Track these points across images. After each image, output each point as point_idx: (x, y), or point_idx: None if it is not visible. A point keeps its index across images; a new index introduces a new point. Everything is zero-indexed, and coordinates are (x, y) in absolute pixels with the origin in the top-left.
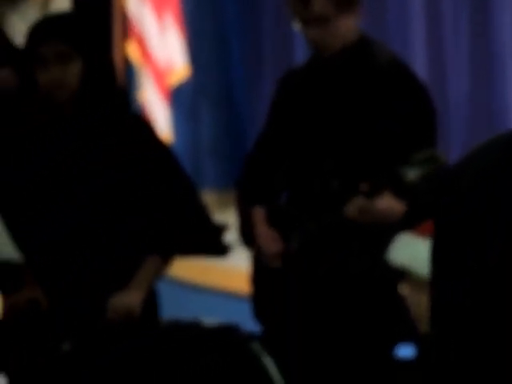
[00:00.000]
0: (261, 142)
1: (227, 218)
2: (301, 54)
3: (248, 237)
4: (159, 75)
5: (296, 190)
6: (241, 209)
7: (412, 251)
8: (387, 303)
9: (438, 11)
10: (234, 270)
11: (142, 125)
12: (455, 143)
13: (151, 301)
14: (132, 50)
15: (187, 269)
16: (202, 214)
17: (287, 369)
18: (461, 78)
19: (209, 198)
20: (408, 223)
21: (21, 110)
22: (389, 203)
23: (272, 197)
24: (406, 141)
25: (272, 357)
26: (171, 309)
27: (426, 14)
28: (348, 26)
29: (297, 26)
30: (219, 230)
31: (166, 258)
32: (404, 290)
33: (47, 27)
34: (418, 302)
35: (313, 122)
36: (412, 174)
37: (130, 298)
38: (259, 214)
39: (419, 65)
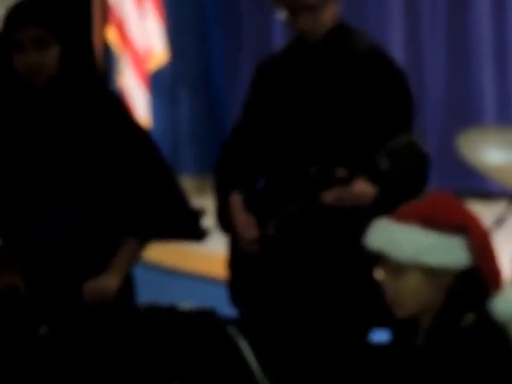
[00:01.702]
0: (238, 127)
1: (205, 203)
2: (279, 41)
3: (225, 222)
4: (138, 60)
5: (274, 176)
6: (218, 194)
7: (390, 236)
8: (364, 287)
9: None
10: (212, 254)
11: (119, 109)
12: (431, 129)
13: (127, 285)
14: (111, 35)
15: (165, 253)
16: (179, 199)
17: (263, 353)
18: (437, 64)
19: (187, 183)
20: (383, 208)
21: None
22: (362, 187)
23: (249, 182)
24: (384, 126)
25: (248, 341)
26: (148, 293)
27: (404, 2)
28: (332, 13)
29: (282, 15)
30: (197, 214)
31: (143, 242)
32: (380, 274)
33: (24, 12)
34: (395, 287)
35: (291, 107)
36: (389, 160)
37: (106, 282)
38: (236, 199)
39: (396, 51)
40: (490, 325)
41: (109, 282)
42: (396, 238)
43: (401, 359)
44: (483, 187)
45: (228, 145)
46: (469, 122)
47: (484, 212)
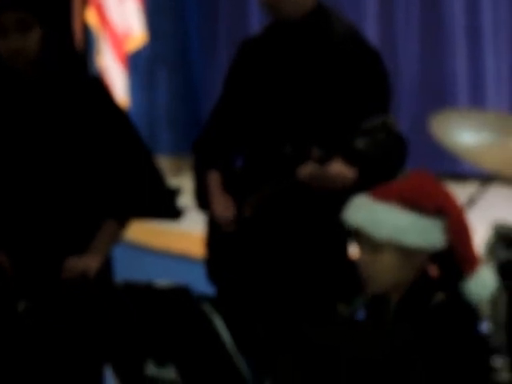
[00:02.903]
0: (218, 107)
1: (182, 182)
2: (256, 23)
3: (203, 201)
4: (117, 42)
5: (251, 155)
6: (196, 173)
7: (370, 214)
8: (340, 262)
9: None
10: (188, 233)
11: (99, 88)
12: (405, 111)
13: (105, 262)
14: (91, 17)
15: (142, 232)
16: (156, 178)
17: (239, 330)
18: (411, 47)
19: (164, 163)
20: (360, 188)
21: None
22: (340, 169)
23: (227, 162)
24: (360, 107)
25: (223, 318)
26: (125, 271)
27: None
28: None
29: None
30: (173, 194)
31: (123, 223)
32: (356, 249)
33: None
34: (370, 263)
35: (268, 87)
36: (364, 140)
37: (87, 262)
38: (214, 178)
39: (371, 33)
40: (459, 304)
41: (90, 262)
42: (376, 217)
43: (371, 333)
44: (456, 168)
45: (208, 124)
46: (442, 105)
47: (457, 193)
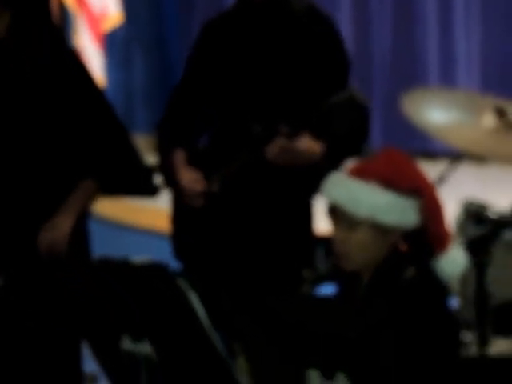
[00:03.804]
0: (181, 86)
1: (158, 160)
2: (232, 3)
3: (169, 178)
4: (93, 21)
5: (217, 134)
6: (161, 151)
7: (349, 192)
8: (304, 237)
9: None
10: (163, 210)
11: (77, 66)
12: (377, 90)
13: (81, 240)
14: None
15: (117, 209)
16: (132, 156)
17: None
18: (383, 27)
19: (140, 141)
20: (328, 164)
21: None
22: (308, 144)
23: (192, 139)
24: (324, 82)
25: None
26: (101, 247)
27: None
28: None
29: None
30: (149, 171)
31: (97, 189)
32: (332, 226)
33: None
34: (344, 240)
35: (234, 65)
36: (332, 115)
37: (59, 221)
38: (180, 155)
39: (344, 14)
40: (429, 279)
41: (62, 220)
42: (355, 195)
43: (344, 309)
44: (427, 146)
45: (172, 102)
46: (413, 84)
47: (427, 170)
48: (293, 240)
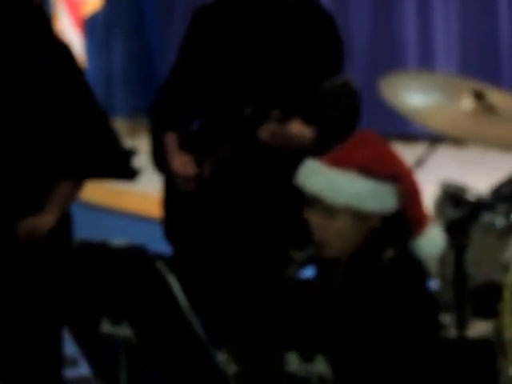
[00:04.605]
0: (174, 72)
1: (138, 144)
2: None
3: (160, 162)
4: (73, 5)
5: (209, 118)
6: (153, 135)
7: (327, 181)
8: (296, 222)
9: None
10: (145, 193)
11: (58, 48)
12: (356, 73)
13: (64, 223)
14: None
15: (100, 192)
16: (111, 139)
17: (195, 289)
18: (362, 11)
19: (120, 125)
20: (318, 149)
21: None
22: (299, 128)
23: (185, 123)
24: (317, 68)
25: (179, 277)
26: (84, 231)
27: None
28: None
29: None
30: (129, 154)
31: (78, 183)
32: (310, 214)
33: None
34: (324, 227)
35: (226, 51)
36: (325, 101)
37: (40, 220)
38: (172, 139)
39: None
40: (408, 260)
41: (43, 220)
42: (334, 184)
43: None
44: (406, 129)
45: (164, 87)
46: (392, 67)
47: (406, 153)
48: (283, 222)
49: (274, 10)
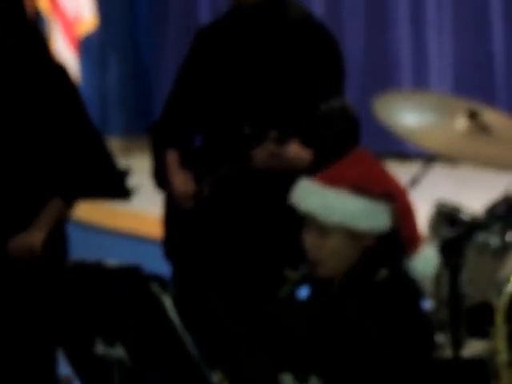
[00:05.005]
0: (175, 90)
1: (132, 163)
2: (205, 8)
3: (161, 180)
4: (68, 26)
5: (210, 136)
6: (154, 152)
7: (320, 200)
8: (293, 243)
9: None
10: (140, 212)
11: (54, 67)
12: (350, 91)
13: (60, 243)
14: (42, 1)
15: (95, 212)
16: (106, 159)
17: (191, 309)
18: (356, 28)
19: (114, 144)
20: (315, 170)
21: None
22: (296, 150)
23: (185, 142)
24: (317, 89)
25: (178, 297)
26: (79, 250)
27: None
28: None
29: None
30: (123, 174)
31: (69, 202)
32: (304, 234)
33: None
34: (317, 246)
35: (227, 70)
36: (322, 124)
37: (30, 237)
38: (172, 156)
39: (316, 8)
40: (402, 280)
41: (33, 237)
42: (327, 203)
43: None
44: (400, 148)
45: (164, 107)
46: (386, 86)
47: (400, 172)
48: (278, 241)
49: (276, 27)
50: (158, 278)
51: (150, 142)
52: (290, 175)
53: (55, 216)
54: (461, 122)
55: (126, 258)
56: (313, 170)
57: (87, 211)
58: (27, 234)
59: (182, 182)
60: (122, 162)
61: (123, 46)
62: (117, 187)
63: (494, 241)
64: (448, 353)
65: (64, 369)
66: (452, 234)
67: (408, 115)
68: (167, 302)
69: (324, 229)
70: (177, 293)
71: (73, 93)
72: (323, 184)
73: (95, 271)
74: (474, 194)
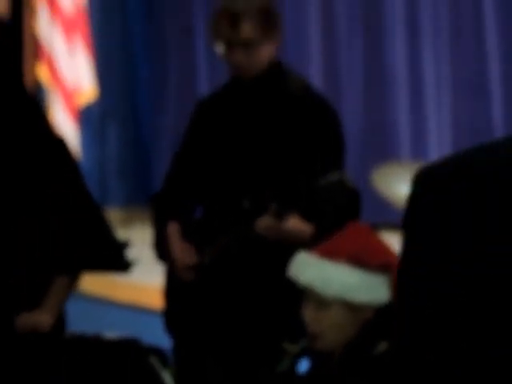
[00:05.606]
0: (177, 160)
1: (132, 234)
2: (204, 80)
3: (162, 251)
4: (68, 96)
5: (210, 209)
6: (156, 224)
7: (318, 273)
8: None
9: (333, 29)
10: (140, 284)
11: (54, 141)
12: (347, 162)
13: (58, 316)
14: (42, 72)
15: (94, 283)
16: (104, 232)
17: (197, 380)
18: (354, 100)
19: (114, 215)
20: (315, 244)
21: None
22: (297, 224)
23: (186, 213)
24: (316, 164)
25: (178, 369)
26: (78, 323)
27: (322, 32)
28: (269, 52)
29: (220, 49)
30: (122, 246)
31: (74, 277)
32: (304, 306)
33: None
34: (317, 319)
35: (226, 143)
36: (321, 197)
37: (40, 318)
38: (173, 228)
39: (315, 80)
40: None
41: (42, 318)
42: (325, 275)
43: None
44: (398, 219)
45: (165, 179)
46: (384, 157)
47: (398, 244)
48: (279, 314)
49: (275, 99)
50: (157, 352)
51: (152, 213)
52: (289, 247)
53: (64, 295)
54: None
55: (126, 330)
56: (314, 243)
57: (87, 282)
58: (37, 313)
59: (183, 253)
60: (121, 233)
61: (123, 116)
62: (116, 260)
63: None
64: None
65: None
66: None
67: (405, 187)
68: (167, 377)
69: (323, 301)
70: (177, 365)
71: (72, 166)
72: (320, 256)
73: (94, 344)
74: None
